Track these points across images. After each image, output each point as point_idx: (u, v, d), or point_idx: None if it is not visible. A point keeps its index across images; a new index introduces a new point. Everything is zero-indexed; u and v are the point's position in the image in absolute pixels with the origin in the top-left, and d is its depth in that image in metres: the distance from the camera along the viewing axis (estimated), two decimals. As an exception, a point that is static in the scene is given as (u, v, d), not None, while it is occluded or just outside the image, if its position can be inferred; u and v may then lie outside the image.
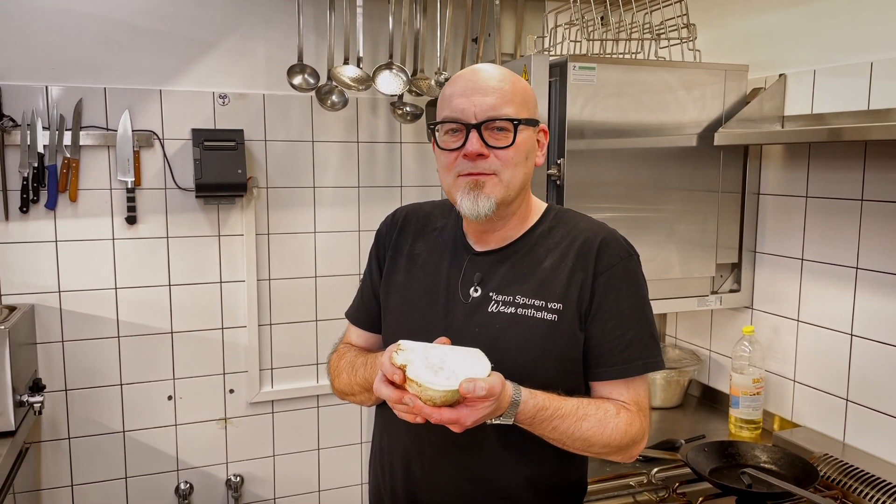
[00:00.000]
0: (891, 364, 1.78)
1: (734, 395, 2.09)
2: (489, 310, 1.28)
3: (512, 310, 1.27)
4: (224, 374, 2.65)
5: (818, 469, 1.72)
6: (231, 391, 2.66)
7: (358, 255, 2.75)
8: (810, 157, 1.98)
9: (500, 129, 1.23)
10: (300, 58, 2.44)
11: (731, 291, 2.18)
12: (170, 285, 2.54)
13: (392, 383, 1.10)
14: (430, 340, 1.28)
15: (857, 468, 1.72)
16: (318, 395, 2.77)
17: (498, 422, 1.15)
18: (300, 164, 2.65)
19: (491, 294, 1.29)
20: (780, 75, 2.03)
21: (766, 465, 1.78)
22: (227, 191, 2.48)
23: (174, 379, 2.58)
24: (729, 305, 2.18)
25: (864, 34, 1.82)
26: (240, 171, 2.46)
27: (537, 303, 1.27)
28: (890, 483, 1.65)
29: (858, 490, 1.67)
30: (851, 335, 1.88)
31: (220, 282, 2.60)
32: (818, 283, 1.97)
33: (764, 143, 2.05)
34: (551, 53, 2.21)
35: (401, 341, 1.13)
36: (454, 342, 1.23)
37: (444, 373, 1.09)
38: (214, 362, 2.63)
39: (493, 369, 1.13)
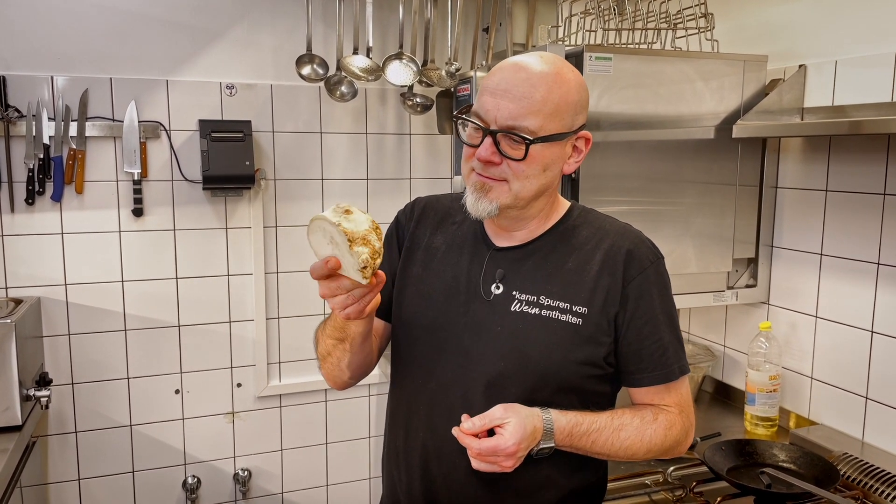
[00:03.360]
0: (913, 362, 1.75)
1: (750, 392, 2.06)
2: (513, 309, 1.25)
3: (536, 310, 1.24)
4: (231, 367, 2.62)
5: (838, 468, 1.69)
6: (238, 385, 2.64)
7: (366, 248, 2.71)
8: (831, 150, 1.93)
9: (516, 140, 1.18)
10: (309, 48, 2.41)
11: (748, 287, 2.14)
12: (177, 278, 2.51)
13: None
14: (450, 336, 1.26)
15: (878, 468, 1.69)
16: (326, 390, 2.75)
17: (537, 450, 1.17)
18: (308, 155, 2.61)
19: (514, 293, 1.26)
20: (800, 66, 1.98)
21: (784, 465, 1.75)
22: (234, 183, 2.45)
23: (181, 373, 2.56)
24: (745, 301, 2.14)
25: (887, 24, 1.77)
26: (247, 162, 2.43)
27: (562, 305, 1.23)
28: (913, 484, 1.62)
29: (879, 490, 1.64)
30: (872, 332, 1.84)
31: (228, 275, 2.57)
32: (838, 278, 1.93)
33: (784, 135, 2.00)
34: (566, 43, 2.17)
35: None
36: (476, 338, 1.22)
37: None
38: (222, 356, 2.60)
39: (515, 372, 1.15)
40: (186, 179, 2.47)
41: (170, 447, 2.58)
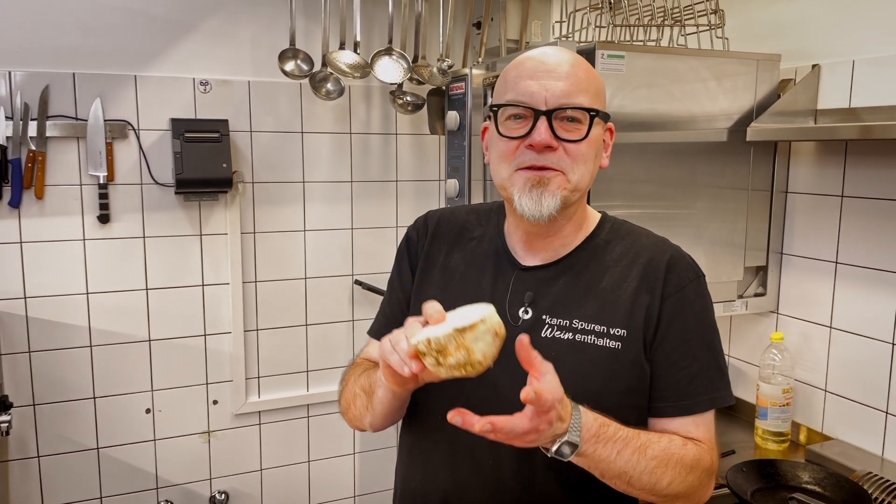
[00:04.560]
0: (937, 376, 1.68)
1: (762, 406, 1.97)
2: (543, 335, 1.12)
3: (569, 335, 1.11)
4: (207, 384, 2.45)
5: (867, 490, 1.60)
6: (215, 402, 2.47)
7: (351, 254, 2.57)
8: (847, 154, 1.85)
9: (571, 120, 1.07)
10: (292, 42, 2.25)
11: (756, 295, 2.05)
12: (147, 289, 2.33)
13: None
14: None
15: (908, 489, 1.61)
16: (308, 405, 2.60)
17: (559, 444, 0.96)
18: (289, 157, 2.45)
19: (544, 317, 1.13)
20: (814, 66, 1.90)
21: (809, 487, 1.66)
22: (209, 186, 2.28)
23: (153, 391, 2.38)
24: (754, 310, 2.05)
25: (911, 22, 1.70)
26: (224, 164, 2.26)
27: (598, 328, 1.11)
28: (943, 505, 1.55)
29: (909, 513, 1.56)
30: (893, 344, 1.77)
31: (202, 285, 2.40)
32: (854, 287, 1.85)
33: (801, 139, 1.92)
34: (570, 40, 2.05)
35: (420, 342, 0.95)
36: (503, 369, 1.04)
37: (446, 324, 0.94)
38: (196, 372, 2.43)
39: None
40: (157, 183, 2.29)
41: (141, 470, 2.40)
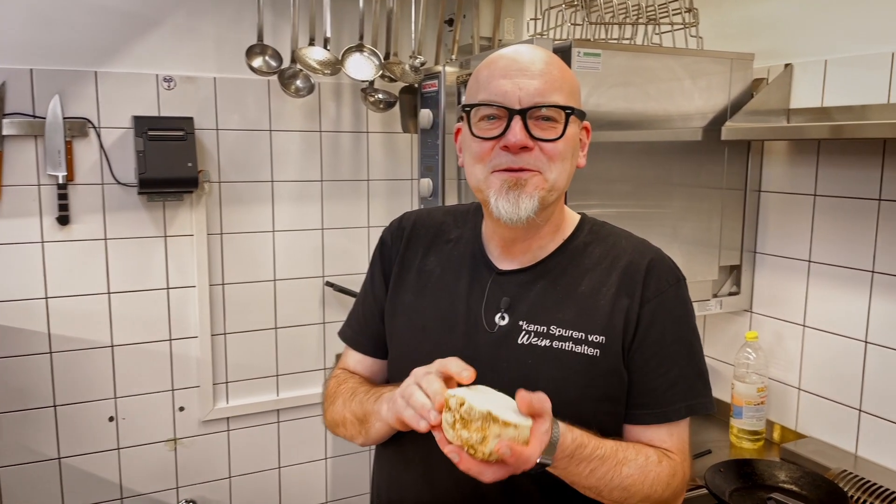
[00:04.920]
0: (910, 373, 1.69)
1: (737, 405, 1.98)
2: (520, 341, 1.09)
3: (547, 342, 1.08)
4: (173, 390, 2.38)
5: (842, 488, 1.61)
6: (181, 409, 2.39)
7: (321, 255, 2.52)
8: (819, 153, 1.86)
9: (547, 119, 1.04)
10: (260, 37, 2.18)
11: (731, 294, 2.05)
12: (109, 293, 2.25)
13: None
14: None
15: (884, 487, 1.62)
16: (278, 410, 2.54)
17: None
18: (256, 155, 2.39)
19: (521, 323, 1.10)
20: (786, 65, 1.90)
21: (786, 486, 1.66)
22: (174, 186, 2.21)
23: (116, 398, 2.30)
24: (728, 309, 2.06)
25: (883, 22, 1.70)
26: (189, 163, 2.20)
27: (576, 334, 1.08)
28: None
29: (885, 510, 1.57)
30: (866, 342, 1.78)
31: (168, 288, 2.33)
32: (827, 286, 1.86)
33: (775, 138, 1.92)
34: (545, 37, 2.03)
35: (453, 396, 0.92)
36: (479, 377, 1.02)
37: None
38: (162, 378, 2.35)
39: None
40: (119, 183, 2.21)
41: (104, 480, 2.31)
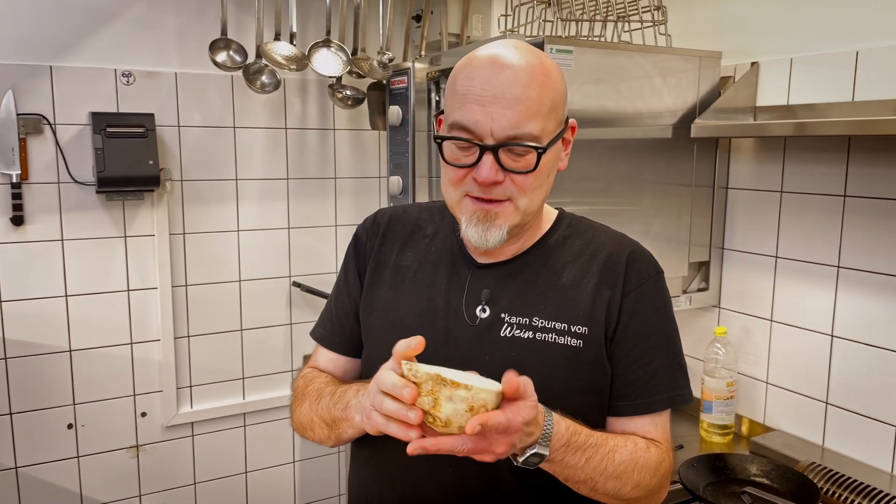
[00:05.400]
0: (875, 366, 1.72)
1: (707, 400, 1.99)
2: (502, 334, 1.08)
3: (529, 334, 1.07)
4: (134, 395, 2.31)
5: (812, 480, 1.63)
6: (143, 414, 2.33)
7: (287, 255, 2.47)
8: (786, 150, 1.89)
9: (521, 152, 1.01)
10: (224, 31, 2.13)
11: (700, 290, 2.07)
12: (66, 296, 2.17)
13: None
14: None
15: (853, 479, 1.65)
16: (244, 413, 2.48)
17: (528, 455, 0.94)
18: (220, 153, 2.33)
19: (503, 315, 1.09)
20: (753, 63, 1.92)
21: (758, 479, 1.68)
22: (134, 185, 2.15)
23: (74, 404, 2.23)
24: (697, 305, 2.07)
25: (847, 22, 1.73)
26: (150, 161, 2.14)
27: (559, 326, 1.08)
28: (882, 492, 1.59)
29: (851, 501, 1.60)
30: (832, 336, 1.81)
31: (128, 290, 2.26)
32: (794, 281, 1.89)
33: (741, 135, 1.94)
34: (516, 34, 2.02)
35: (403, 362, 0.90)
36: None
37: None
38: (123, 383, 2.29)
39: None
40: (76, 181, 2.13)
41: (64, 490, 2.24)
